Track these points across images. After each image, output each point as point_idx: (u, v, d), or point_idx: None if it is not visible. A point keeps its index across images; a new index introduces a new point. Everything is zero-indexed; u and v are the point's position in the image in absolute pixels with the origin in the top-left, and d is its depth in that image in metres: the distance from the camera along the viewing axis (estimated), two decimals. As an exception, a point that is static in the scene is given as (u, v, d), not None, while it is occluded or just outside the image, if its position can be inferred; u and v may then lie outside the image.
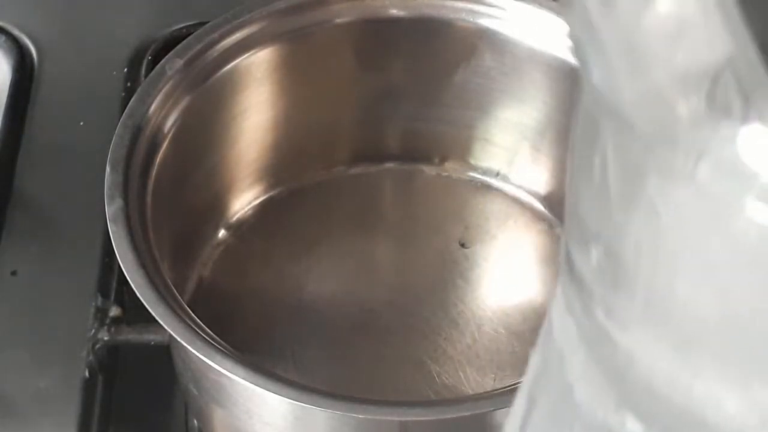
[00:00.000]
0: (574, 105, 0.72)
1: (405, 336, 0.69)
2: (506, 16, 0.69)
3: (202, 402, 0.63)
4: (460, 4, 0.70)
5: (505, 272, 0.73)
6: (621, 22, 0.29)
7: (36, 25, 0.80)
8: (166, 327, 0.57)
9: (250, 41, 0.68)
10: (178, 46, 0.67)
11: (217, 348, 0.56)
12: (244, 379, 0.55)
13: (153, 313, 0.57)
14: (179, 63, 0.66)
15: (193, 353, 0.56)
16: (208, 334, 0.57)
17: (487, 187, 0.76)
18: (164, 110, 0.65)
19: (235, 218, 0.74)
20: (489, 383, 0.67)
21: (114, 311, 0.67)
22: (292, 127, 0.73)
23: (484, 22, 0.70)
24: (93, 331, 0.66)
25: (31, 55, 0.79)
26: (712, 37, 0.28)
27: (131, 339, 0.66)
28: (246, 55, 0.68)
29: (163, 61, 0.66)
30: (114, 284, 0.68)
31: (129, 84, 0.77)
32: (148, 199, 0.62)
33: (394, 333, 0.69)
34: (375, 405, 0.55)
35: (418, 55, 0.72)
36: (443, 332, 0.69)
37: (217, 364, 0.55)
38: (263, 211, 0.75)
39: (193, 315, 0.58)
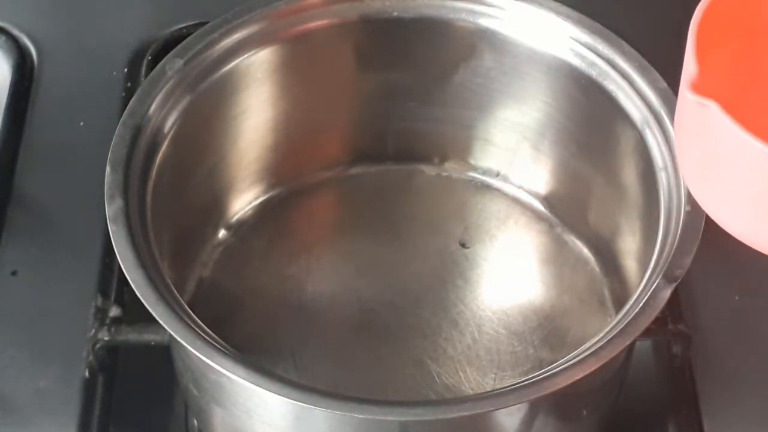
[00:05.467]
0: (574, 105, 0.72)
1: (405, 336, 0.69)
2: (506, 16, 0.69)
3: (202, 402, 0.63)
4: (460, 4, 0.70)
5: (505, 272, 0.73)
6: None
7: (36, 25, 0.80)
8: (166, 327, 0.57)
9: (250, 41, 0.68)
10: (178, 46, 0.67)
11: (217, 348, 0.56)
12: (244, 379, 0.55)
13: (153, 313, 0.57)
14: (179, 63, 0.66)
15: (193, 353, 0.56)
16: (208, 334, 0.57)
17: (487, 187, 0.76)
18: (164, 110, 0.65)
19: (235, 218, 0.74)
20: (489, 383, 0.67)
21: (114, 311, 0.67)
22: (292, 127, 0.73)
23: (484, 22, 0.70)
24: (93, 331, 0.66)
25: (31, 55, 0.79)
26: None
27: (131, 339, 0.66)
28: (246, 55, 0.68)
29: (163, 61, 0.66)
30: (114, 284, 0.69)
31: (129, 84, 0.77)
32: (148, 199, 0.62)
33: (394, 333, 0.69)
34: (375, 405, 0.55)
35: (418, 55, 0.72)
36: (443, 332, 0.69)
37: (217, 364, 0.55)
38: (263, 211, 0.75)
39: (193, 315, 0.58)
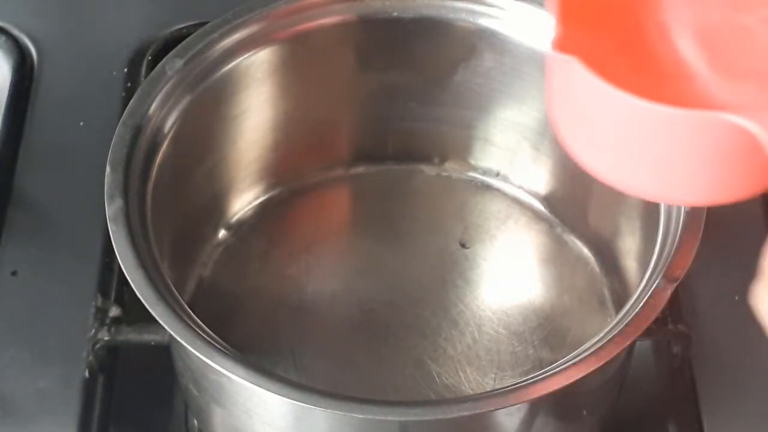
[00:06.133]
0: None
1: (405, 336, 0.69)
2: (506, 16, 0.69)
3: (202, 402, 0.63)
4: (460, 4, 0.70)
5: (505, 272, 0.73)
6: None
7: (36, 25, 0.80)
8: (166, 327, 0.57)
9: (250, 41, 0.68)
10: (178, 46, 0.67)
11: (217, 348, 0.56)
12: (244, 379, 0.55)
13: (153, 313, 0.57)
14: (179, 63, 0.66)
15: (193, 353, 0.56)
16: (208, 334, 0.57)
17: (487, 187, 0.76)
18: (164, 110, 0.65)
19: (235, 218, 0.74)
20: (489, 383, 0.67)
21: (114, 311, 0.67)
22: (292, 127, 0.73)
23: (484, 22, 0.69)
24: (93, 331, 0.66)
25: (31, 55, 0.79)
26: None
27: (131, 339, 0.66)
28: (246, 55, 0.68)
29: (163, 61, 0.66)
30: (114, 284, 0.69)
31: (129, 84, 0.77)
32: (148, 199, 0.62)
33: (394, 333, 0.69)
34: (375, 405, 0.55)
35: (418, 55, 0.72)
36: (443, 332, 0.69)
37: (217, 364, 0.55)
38: (263, 211, 0.75)
39: (193, 315, 0.58)
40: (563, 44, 0.49)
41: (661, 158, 0.48)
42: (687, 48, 0.52)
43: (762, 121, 0.44)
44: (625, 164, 0.50)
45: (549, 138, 0.72)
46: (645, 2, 0.54)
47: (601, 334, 0.57)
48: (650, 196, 0.52)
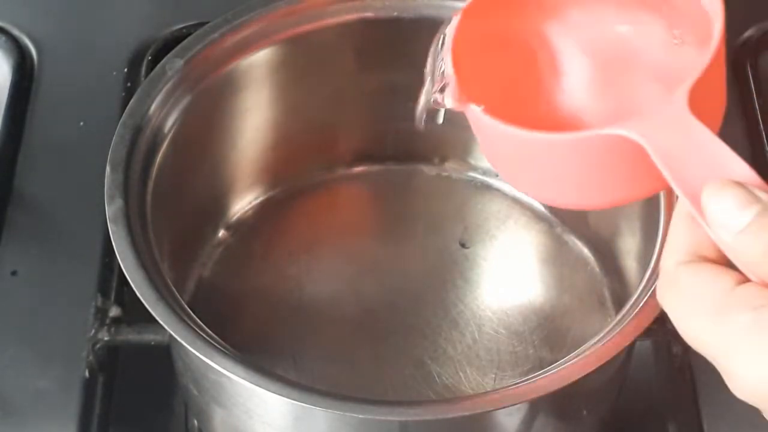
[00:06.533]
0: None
1: (405, 336, 0.69)
2: (506, 16, 0.69)
3: (202, 402, 0.63)
4: (460, 4, 0.70)
5: (505, 272, 0.73)
6: None
7: (36, 25, 0.80)
8: (166, 327, 0.57)
9: (250, 41, 0.68)
10: (178, 46, 0.67)
11: (217, 348, 0.56)
12: (244, 379, 0.55)
13: (153, 313, 0.57)
14: (179, 63, 0.66)
15: (193, 353, 0.56)
16: (208, 334, 0.57)
17: (487, 187, 0.76)
18: (164, 110, 0.65)
19: (235, 218, 0.74)
20: (489, 383, 0.67)
21: (114, 311, 0.67)
22: (292, 127, 0.73)
23: (484, 22, 0.70)
24: (93, 331, 0.66)
25: (31, 55, 0.79)
26: None
27: (131, 339, 0.66)
28: (246, 55, 0.68)
29: (163, 61, 0.66)
30: (114, 284, 0.69)
31: (129, 84, 0.77)
32: (148, 199, 0.62)
33: (394, 333, 0.69)
34: (375, 405, 0.55)
35: (418, 55, 0.71)
36: (443, 332, 0.69)
37: (217, 364, 0.55)
38: (263, 211, 0.75)
39: (193, 315, 0.58)
40: (460, 97, 0.54)
41: (570, 176, 0.52)
42: (571, 70, 0.57)
43: (639, 129, 0.48)
44: (547, 185, 0.54)
45: (549, 138, 0.72)
46: (530, 33, 0.58)
47: (601, 334, 0.57)
48: (579, 207, 0.57)
